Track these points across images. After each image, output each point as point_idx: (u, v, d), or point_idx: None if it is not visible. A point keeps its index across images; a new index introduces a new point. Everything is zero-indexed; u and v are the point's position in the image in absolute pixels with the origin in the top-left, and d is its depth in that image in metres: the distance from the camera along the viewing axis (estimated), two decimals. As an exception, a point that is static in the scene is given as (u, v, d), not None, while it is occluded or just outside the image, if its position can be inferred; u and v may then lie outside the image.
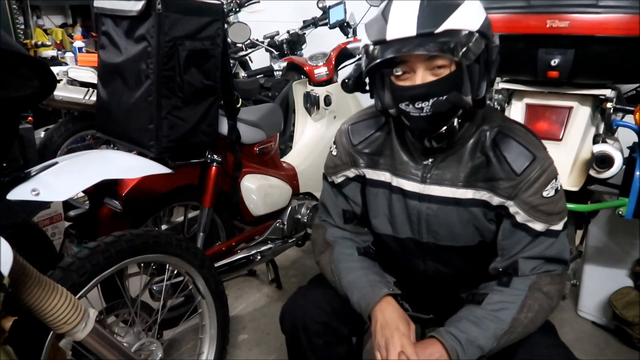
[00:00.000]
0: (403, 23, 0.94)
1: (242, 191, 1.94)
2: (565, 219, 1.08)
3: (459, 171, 1.08)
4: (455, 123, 1.03)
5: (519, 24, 1.52)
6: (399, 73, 0.98)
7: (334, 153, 1.24)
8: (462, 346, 1.00)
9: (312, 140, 2.35)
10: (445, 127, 1.02)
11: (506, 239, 1.08)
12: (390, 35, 0.94)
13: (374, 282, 1.15)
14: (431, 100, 0.97)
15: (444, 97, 0.97)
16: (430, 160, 1.10)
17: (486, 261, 1.13)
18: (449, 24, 0.92)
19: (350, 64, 2.42)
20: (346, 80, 1.25)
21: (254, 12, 3.12)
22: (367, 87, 1.11)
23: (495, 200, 1.06)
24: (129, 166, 1.31)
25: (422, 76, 0.97)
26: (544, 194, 1.03)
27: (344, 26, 2.49)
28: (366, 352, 1.55)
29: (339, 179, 1.24)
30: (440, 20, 0.92)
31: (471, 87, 0.98)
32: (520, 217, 1.05)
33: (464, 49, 0.93)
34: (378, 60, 0.97)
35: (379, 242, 1.27)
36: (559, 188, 1.06)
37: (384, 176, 1.17)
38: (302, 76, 2.43)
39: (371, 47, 0.98)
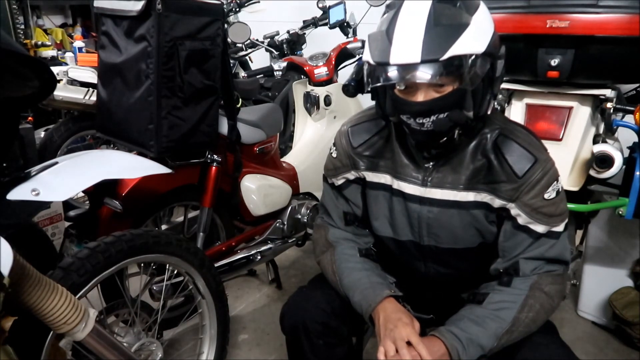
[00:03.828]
0: (407, 48, 0.92)
1: (242, 191, 1.94)
2: (566, 221, 1.08)
3: (460, 174, 1.08)
4: (456, 135, 1.03)
5: (519, 24, 1.52)
6: (402, 88, 0.98)
7: (334, 155, 1.24)
8: (463, 345, 1.00)
9: (312, 140, 2.35)
10: (445, 139, 1.03)
11: (507, 240, 1.08)
12: (394, 60, 0.93)
13: (375, 283, 1.15)
14: (432, 117, 0.96)
15: (445, 114, 0.96)
16: (431, 163, 1.10)
17: (487, 262, 1.13)
18: (455, 49, 0.90)
19: (350, 64, 2.42)
20: (347, 85, 1.23)
21: (254, 12, 3.13)
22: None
23: (497, 202, 1.06)
24: (129, 166, 1.31)
25: (424, 93, 0.96)
26: (546, 196, 1.03)
27: (344, 26, 2.48)
28: (366, 352, 1.55)
29: (339, 181, 1.24)
30: (445, 46, 0.90)
31: (474, 104, 0.98)
32: (522, 219, 1.05)
33: (469, 73, 0.92)
34: (380, 84, 0.97)
35: (379, 244, 1.27)
36: (560, 190, 1.06)
37: (384, 179, 1.17)
38: (302, 76, 2.43)
39: (374, 67, 0.97)
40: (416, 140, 1.05)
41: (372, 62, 0.98)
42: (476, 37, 0.93)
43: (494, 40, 0.96)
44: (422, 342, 1.00)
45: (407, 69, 0.92)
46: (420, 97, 0.96)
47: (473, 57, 0.92)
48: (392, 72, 0.94)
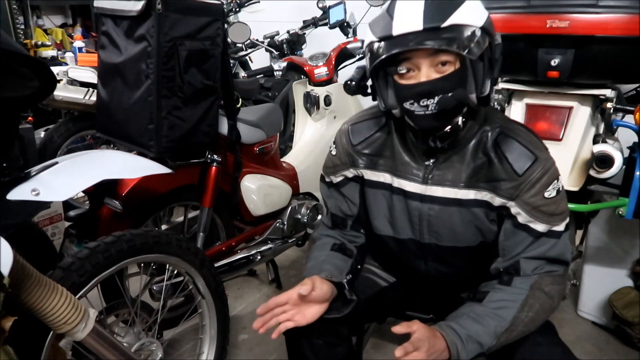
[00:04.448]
0: (409, 18, 0.94)
1: (242, 191, 1.94)
2: (567, 220, 1.07)
3: (461, 172, 1.08)
4: (460, 122, 1.03)
5: (519, 24, 1.52)
6: (403, 71, 0.98)
7: (334, 153, 1.24)
8: (462, 341, 0.99)
9: (312, 140, 2.35)
10: (449, 126, 1.02)
11: (508, 239, 1.08)
12: (396, 31, 0.94)
13: (323, 269, 1.14)
14: (437, 98, 0.96)
15: (450, 94, 0.96)
16: (431, 160, 1.10)
17: (487, 261, 1.13)
18: (455, 18, 0.92)
19: (350, 64, 2.43)
20: (349, 82, 1.23)
21: (254, 12, 3.13)
22: (369, 90, 1.10)
23: (497, 200, 1.06)
24: (129, 166, 1.31)
25: (426, 73, 0.96)
26: (546, 194, 1.03)
27: (344, 26, 2.48)
28: (366, 352, 1.55)
29: (337, 179, 1.24)
30: (446, 15, 0.92)
31: (475, 85, 0.98)
32: (522, 217, 1.04)
33: (470, 44, 0.93)
34: (384, 56, 0.96)
35: (379, 243, 1.27)
36: (560, 189, 1.06)
37: (383, 177, 1.17)
38: (302, 76, 2.43)
39: (376, 44, 0.98)
40: (421, 127, 1.03)
41: (374, 38, 0.98)
42: (473, 12, 0.95)
43: (489, 21, 0.98)
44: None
45: (410, 37, 0.93)
46: (422, 78, 0.96)
47: (473, 29, 0.93)
48: (395, 44, 0.95)
